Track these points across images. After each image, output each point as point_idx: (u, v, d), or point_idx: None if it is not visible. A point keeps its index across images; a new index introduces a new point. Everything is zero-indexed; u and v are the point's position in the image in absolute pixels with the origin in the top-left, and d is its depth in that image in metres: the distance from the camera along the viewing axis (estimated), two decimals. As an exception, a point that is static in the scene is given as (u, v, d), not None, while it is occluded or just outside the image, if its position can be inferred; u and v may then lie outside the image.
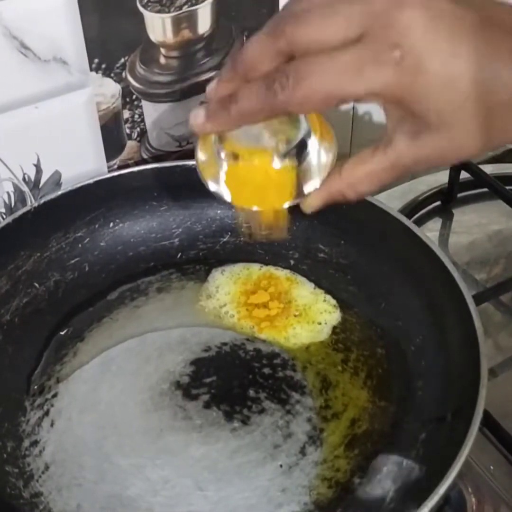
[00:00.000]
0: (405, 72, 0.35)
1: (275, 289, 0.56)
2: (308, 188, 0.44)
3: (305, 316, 0.55)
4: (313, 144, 0.44)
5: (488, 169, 0.71)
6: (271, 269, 0.58)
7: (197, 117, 0.40)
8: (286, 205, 0.44)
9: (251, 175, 0.43)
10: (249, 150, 0.43)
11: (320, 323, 0.54)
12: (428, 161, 0.39)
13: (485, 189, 0.70)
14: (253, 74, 0.38)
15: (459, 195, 0.72)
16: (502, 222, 0.71)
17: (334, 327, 0.54)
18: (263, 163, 0.43)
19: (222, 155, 0.43)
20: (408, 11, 0.35)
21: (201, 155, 0.44)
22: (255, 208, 0.45)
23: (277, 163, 0.43)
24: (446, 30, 0.35)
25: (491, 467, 0.50)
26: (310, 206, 0.44)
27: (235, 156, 0.43)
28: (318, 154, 0.44)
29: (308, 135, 0.43)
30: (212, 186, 0.44)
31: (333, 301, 0.56)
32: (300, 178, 0.44)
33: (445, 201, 0.72)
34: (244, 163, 0.43)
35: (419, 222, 0.69)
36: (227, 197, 0.44)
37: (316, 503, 0.44)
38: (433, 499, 0.39)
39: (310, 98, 0.37)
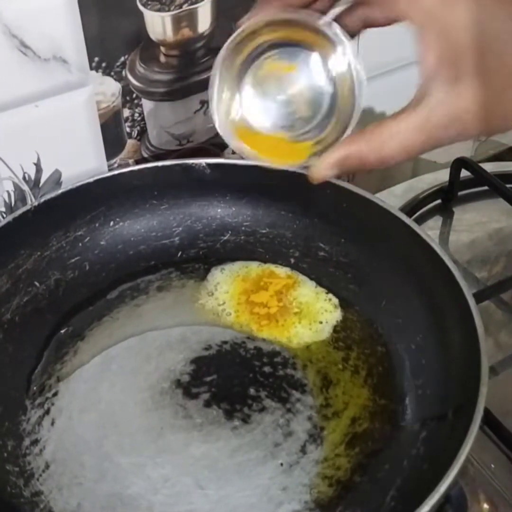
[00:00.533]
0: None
1: (275, 287, 0.56)
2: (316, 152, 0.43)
3: (306, 314, 0.54)
4: (334, 110, 0.42)
5: (489, 167, 0.71)
6: (271, 267, 0.58)
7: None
8: (295, 165, 0.44)
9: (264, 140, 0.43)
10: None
11: (321, 322, 0.54)
12: (469, 118, 0.35)
13: (486, 187, 0.70)
14: None
15: (459, 193, 0.72)
16: (502, 220, 0.71)
17: (335, 326, 0.54)
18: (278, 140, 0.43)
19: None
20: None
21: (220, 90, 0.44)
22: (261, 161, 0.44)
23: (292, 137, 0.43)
24: None
25: (492, 466, 0.50)
26: (320, 170, 0.41)
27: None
28: (338, 119, 0.42)
29: (333, 101, 0.42)
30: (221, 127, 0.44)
31: (335, 300, 0.56)
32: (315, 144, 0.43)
33: (445, 200, 0.72)
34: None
35: (420, 221, 0.69)
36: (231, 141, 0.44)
37: (317, 502, 0.44)
38: (434, 498, 0.38)
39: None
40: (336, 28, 0.41)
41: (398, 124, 0.37)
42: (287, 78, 0.43)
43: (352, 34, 0.42)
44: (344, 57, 0.42)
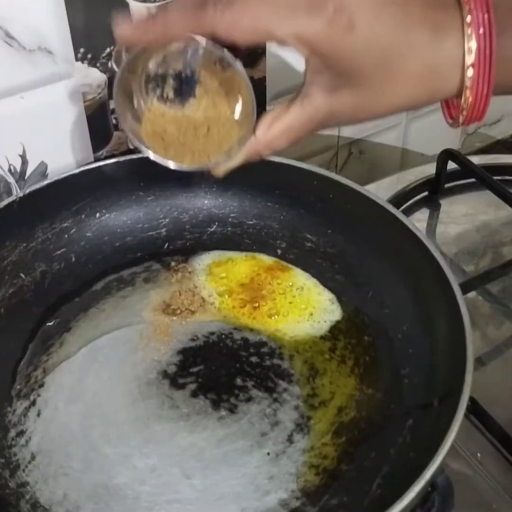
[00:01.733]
0: (336, 27, 0.36)
1: (262, 278, 0.56)
2: (221, 151, 0.44)
3: (294, 305, 0.54)
4: (236, 111, 0.44)
5: (475, 160, 0.71)
6: (257, 257, 0.58)
7: (125, 27, 0.41)
8: (196, 167, 0.45)
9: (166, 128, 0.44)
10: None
11: (312, 315, 0.54)
12: (342, 116, 0.41)
13: (473, 180, 0.70)
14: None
15: (446, 185, 0.72)
16: (489, 213, 0.71)
17: (322, 316, 0.54)
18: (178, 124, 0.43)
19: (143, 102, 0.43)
20: None
21: (122, 88, 0.44)
22: (163, 161, 0.45)
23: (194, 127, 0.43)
24: None
25: (479, 455, 0.51)
26: (224, 170, 0.45)
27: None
28: (239, 118, 0.44)
29: (235, 100, 0.43)
30: (123, 121, 0.44)
31: (322, 289, 0.56)
32: (215, 144, 0.44)
33: (432, 192, 0.72)
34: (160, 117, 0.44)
35: (407, 213, 0.69)
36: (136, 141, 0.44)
37: (304, 490, 0.44)
38: (420, 484, 0.38)
39: (238, 25, 0.37)
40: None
41: (289, 121, 0.41)
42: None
43: None
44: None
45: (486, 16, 0.37)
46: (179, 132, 0.44)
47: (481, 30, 0.37)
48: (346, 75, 0.38)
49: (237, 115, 0.44)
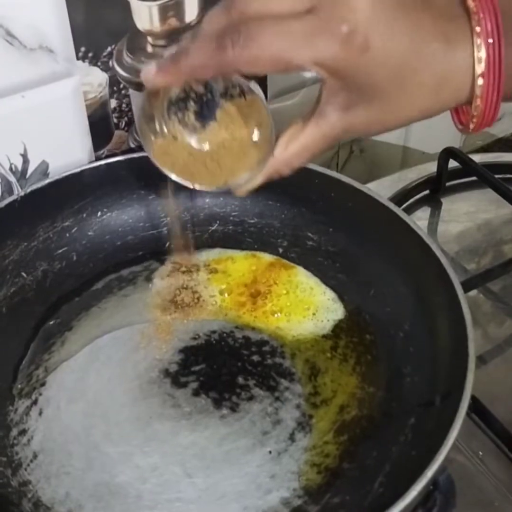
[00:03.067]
0: (352, 47, 0.37)
1: (264, 276, 0.56)
2: (241, 173, 0.45)
3: (296, 304, 0.54)
4: (255, 134, 0.45)
5: (477, 158, 0.71)
6: (258, 255, 0.58)
7: (149, 71, 0.42)
8: (216, 188, 0.46)
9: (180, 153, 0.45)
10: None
11: (314, 314, 0.54)
12: (356, 131, 0.42)
13: (474, 178, 0.70)
14: (206, 35, 0.39)
15: (447, 184, 0.72)
16: (491, 211, 0.71)
17: (324, 315, 0.54)
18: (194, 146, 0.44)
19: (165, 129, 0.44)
20: None
21: (145, 117, 0.45)
22: (186, 183, 0.46)
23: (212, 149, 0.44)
24: (388, 9, 0.37)
25: (480, 453, 0.51)
26: (246, 190, 0.46)
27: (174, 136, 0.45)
28: (258, 143, 0.45)
29: (254, 123, 0.44)
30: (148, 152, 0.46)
31: (324, 288, 0.56)
32: (236, 165, 0.45)
33: (433, 190, 0.72)
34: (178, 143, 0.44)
35: (408, 211, 0.69)
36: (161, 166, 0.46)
37: (306, 489, 0.44)
38: (422, 482, 0.39)
39: (258, 58, 0.38)
40: None
41: (305, 140, 0.42)
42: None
43: None
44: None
45: (494, 26, 0.37)
46: (201, 155, 0.45)
47: (490, 40, 0.37)
48: (361, 92, 0.39)
49: (257, 137, 0.44)
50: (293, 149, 0.43)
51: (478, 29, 0.38)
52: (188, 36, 0.41)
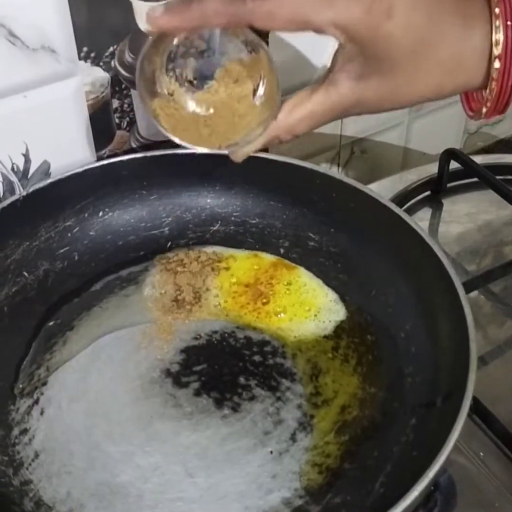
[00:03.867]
0: (376, 14, 0.37)
1: (266, 276, 0.56)
2: (240, 134, 0.44)
3: (297, 304, 0.54)
4: (259, 94, 0.43)
5: (478, 159, 0.71)
6: (259, 255, 0.58)
7: (156, 11, 0.40)
8: (217, 149, 0.44)
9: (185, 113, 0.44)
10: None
11: (316, 315, 0.54)
12: (367, 105, 0.41)
13: (475, 179, 0.70)
14: None
15: (449, 185, 0.72)
16: (492, 212, 0.71)
17: (325, 315, 0.54)
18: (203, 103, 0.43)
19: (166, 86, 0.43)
20: None
21: (145, 73, 0.44)
22: (186, 145, 0.45)
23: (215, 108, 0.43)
24: None
25: (481, 454, 0.51)
26: (243, 154, 0.45)
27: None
28: (260, 102, 0.43)
29: (259, 81, 0.43)
30: (147, 105, 0.44)
31: (326, 289, 0.56)
32: (234, 127, 0.44)
33: (434, 191, 0.72)
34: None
35: (409, 212, 0.69)
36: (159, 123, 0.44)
37: (307, 489, 0.44)
38: (423, 482, 0.38)
39: (276, 13, 0.37)
40: None
41: (312, 106, 0.41)
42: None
43: None
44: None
45: None
46: (198, 115, 0.43)
47: (509, 22, 0.37)
48: (377, 62, 0.38)
49: (259, 99, 0.43)
50: (298, 114, 0.42)
51: (497, 10, 0.37)
52: None
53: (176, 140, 0.45)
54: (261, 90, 0.43)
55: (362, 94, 0.40)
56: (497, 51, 0.38)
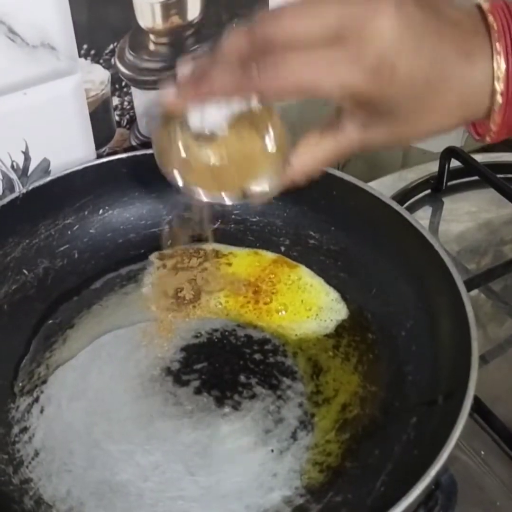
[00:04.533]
0: (380, 78, 0.37)
1: (266, 274, 0.56)
2: (258, 183, 0.45)
3: (299, 303, 0.54)
4: (268, 142, 0.44)
5: (478, 158, 0.71)
6: (260, 253, 0.58)
7: (168, 94, 0.41)
8: (236, 200, 0.45)
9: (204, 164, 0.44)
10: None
11: (317, 315, 0.54)
12: (373, 147, 0.42)
13: (475, 177, 0.70)
14: (228, 58, 0.39)
15: (449, 183, 0.72)
16: (492, 210, 0.71)
17: (326, 314, 0.54)
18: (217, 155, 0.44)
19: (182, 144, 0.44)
20: (383, 18, 0.36)
21: (160, 141, 0.45)
22: (206, 197, 0.45)
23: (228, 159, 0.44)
24: (413, 34, 0.37)
25: (482, 452, 0.51)
26: (261, 201, 0.46)
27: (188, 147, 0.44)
28: (272, 151, 0.44)
29: (267, 131, 0.44)
30: (167, 172, 0.45)
31: (328, 288, 0.55)
32: (252, 175, 0.45)
33: (435, 189, 0.72)
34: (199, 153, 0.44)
35: (409, 210, 0.69)
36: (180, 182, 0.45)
37: (308, 488, 0.44)
38: (424, 481, 0.38)
39: (285, 87, 0.38)
40: None
41: (322, 151, 0.43)
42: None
43: None
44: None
45: None
46: (215, 167, 0.45)
47: (510, 58, 0.37)
48: (383, 113, 0.39)
49: (270, 145, 0.44)
50: (310, 161, 0.43)
51: (498, 45, 0.37)
52: (205, 56, 0.40)
53: (200, 193, 0.45)
54: (270, 139, 0.44)
55: (369, 139, 0.41)
56: (499, 87, 0.38)
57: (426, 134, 0.41)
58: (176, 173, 0.45)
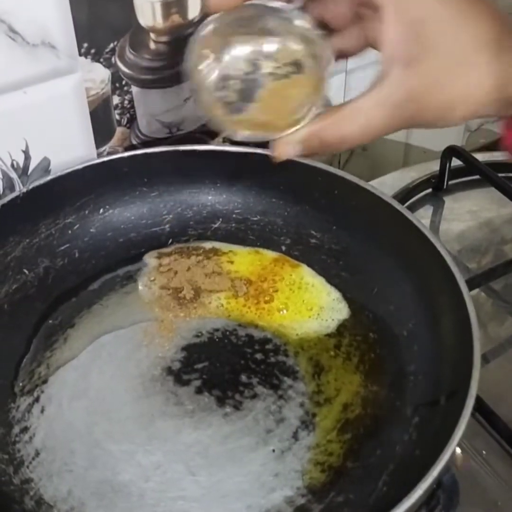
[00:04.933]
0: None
1: (267, 273, 0.56)
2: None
3: (301, 302, 0.54)
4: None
5: (480, 156, 0.70)
6: (261, 252, 0.57)
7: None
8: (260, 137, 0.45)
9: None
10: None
11: (319, 313, 0.54)
12: (417, 100, 0.39)
13: (476, 177, 0.70)
14: None
15: (450, 182, 0.72)
16: (493, 210, 0.71)
17: (327, 313, 0.54)
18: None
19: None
20: None
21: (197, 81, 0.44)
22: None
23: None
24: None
25: (484, 452, 0.51)
26: (282, 148, 0.43)
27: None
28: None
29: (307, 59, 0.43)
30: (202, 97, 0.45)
31: (329, 287, 0.55)
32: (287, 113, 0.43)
33: (436, 189, 0.72)
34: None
35: (410, 210, 0.68)
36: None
37: (309, 488, 0.44)
38: (427, 481, 0.38)
39: None
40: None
41: (359, 102, 0.39)
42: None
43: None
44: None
45: None
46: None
47: None
48: (422, 39, 0.37)
49: (296, 122, 0.43)
50: (341, 112, 0.39)
51: None
52: None
53: (242, 133, 0.45)
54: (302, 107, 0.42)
55: (414, 84, 0.38)
56: None
57: (467, 106, 0.39)
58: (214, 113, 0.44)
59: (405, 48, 0.38)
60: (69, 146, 0.61)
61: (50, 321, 0.53)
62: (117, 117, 0.63)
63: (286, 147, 0.43)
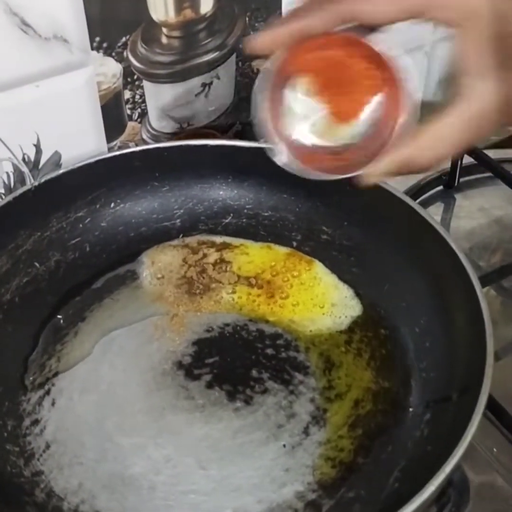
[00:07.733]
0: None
1: (279, 269, 0.55)
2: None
3: (313, 299, 0.54)
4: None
5: (491, 153, 0.70)
6: (273, 247, 0.57)
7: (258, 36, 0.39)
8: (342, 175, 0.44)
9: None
10: None
11: (332, 310, 0.54)
12: (500, 108, 0.36)
13: (488, 174, 0.70)
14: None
15: (461, 179, 0.71)
16: (504, 207, 0.70)
17: (339, 309, 0.54)
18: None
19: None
20: None
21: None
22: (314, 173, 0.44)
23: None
24: None
25: (495, 450, 0.50)
26: (373, 177, 0.42)
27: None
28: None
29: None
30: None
31: (342, 284, 0.55)
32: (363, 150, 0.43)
33: (447, 186, 0.72)
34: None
35: (421, 207, 0.69)
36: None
37: (320, 483, 0.44)
38: (439, 478, 0.38)
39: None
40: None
41: (445, 124, 0.37)
42: None
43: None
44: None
45: None
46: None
47: None
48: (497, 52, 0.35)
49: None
50: (432, 137, 0.37)
51: None
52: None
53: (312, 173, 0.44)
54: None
55: (491, 97, 0.36)
56: None
57: None
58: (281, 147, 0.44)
59: (491, 54, 0.36)
60: (80, 140, 0.61)
61: (61, 315, 0.53)
62: (128, 111, 0.62)
63: (378, 176, 0.42)
